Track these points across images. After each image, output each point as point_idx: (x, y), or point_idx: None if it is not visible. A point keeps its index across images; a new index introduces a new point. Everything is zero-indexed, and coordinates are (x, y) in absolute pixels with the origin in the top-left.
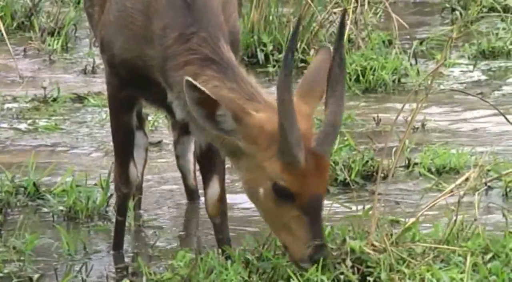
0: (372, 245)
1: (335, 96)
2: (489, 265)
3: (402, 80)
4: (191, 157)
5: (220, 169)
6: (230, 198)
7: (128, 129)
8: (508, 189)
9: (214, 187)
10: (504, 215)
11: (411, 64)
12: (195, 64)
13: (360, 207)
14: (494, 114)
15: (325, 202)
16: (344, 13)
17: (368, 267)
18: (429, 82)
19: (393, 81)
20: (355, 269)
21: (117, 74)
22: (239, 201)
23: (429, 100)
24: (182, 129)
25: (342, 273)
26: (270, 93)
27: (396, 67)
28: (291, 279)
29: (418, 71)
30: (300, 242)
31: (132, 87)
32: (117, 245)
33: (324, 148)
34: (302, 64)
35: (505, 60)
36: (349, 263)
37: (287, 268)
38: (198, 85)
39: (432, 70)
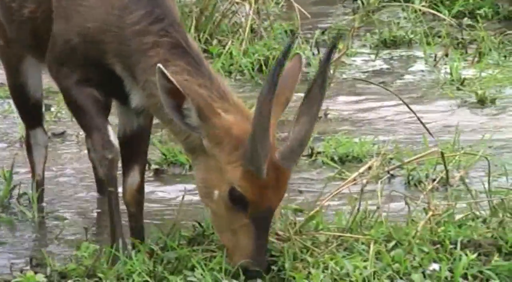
0: (276, 234)
1: (309, 115)
2: (392, 253)
3: (305, 69)
4: None
5: (142, 158)
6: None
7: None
8: (410, 177)
9: (134, 176)
10: (406, 203)
11: (313, 54)
12: (164, 48)
13: None
14: (396, 103)
15: None
16: (338, 38)
17: (272, 256)
18: (331, 71)
19: None
20: None
21: (72, 68)
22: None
23: (331, 90)
24: None
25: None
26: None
27: None
28: (195, 269)
29: (320, 60)
30: (242, 251)
31: (91, 79)
32: (117, 229)
33: (288, 163)
34: (204, 55)
35: (406, 49)
36: None
37: (191, 258)
38: (169, 76)
39: (334, 60)
